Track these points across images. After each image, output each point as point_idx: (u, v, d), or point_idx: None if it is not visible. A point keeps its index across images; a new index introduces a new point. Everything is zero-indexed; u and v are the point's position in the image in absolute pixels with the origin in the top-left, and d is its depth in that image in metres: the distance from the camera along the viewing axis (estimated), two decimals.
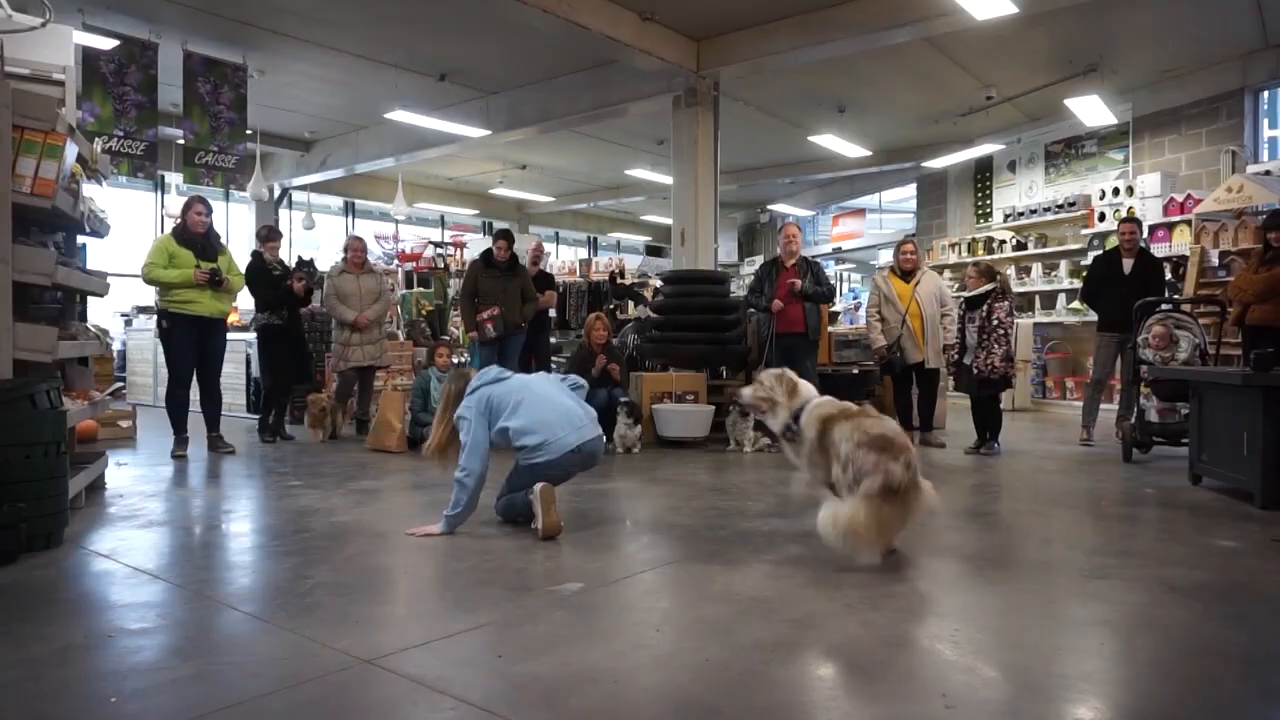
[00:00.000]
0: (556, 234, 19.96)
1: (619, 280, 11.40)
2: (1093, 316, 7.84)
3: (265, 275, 7.11)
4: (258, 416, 7.47)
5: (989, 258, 11.83)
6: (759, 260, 15.84)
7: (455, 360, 8.00)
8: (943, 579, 3.22)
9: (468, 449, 3.75)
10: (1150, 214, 9.94)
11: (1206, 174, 10.22)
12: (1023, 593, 3.01)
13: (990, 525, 4.23)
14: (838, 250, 18.36)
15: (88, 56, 8.42)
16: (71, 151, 4.04)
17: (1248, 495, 4.54)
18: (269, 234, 7.39)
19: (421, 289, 10.66)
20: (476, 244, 12.38)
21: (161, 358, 7.26)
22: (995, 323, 6.44)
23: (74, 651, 2.38)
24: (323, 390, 7.94)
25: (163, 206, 13.35)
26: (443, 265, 11.25)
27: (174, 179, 12.57)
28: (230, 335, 6.88)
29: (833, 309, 10.77)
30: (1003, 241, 12.31)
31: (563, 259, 17.05)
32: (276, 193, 14.92)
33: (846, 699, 2.11)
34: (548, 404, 3.85)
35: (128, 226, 10.98)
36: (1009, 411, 8.34)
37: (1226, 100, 10.10)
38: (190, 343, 6.16)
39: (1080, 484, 5.33)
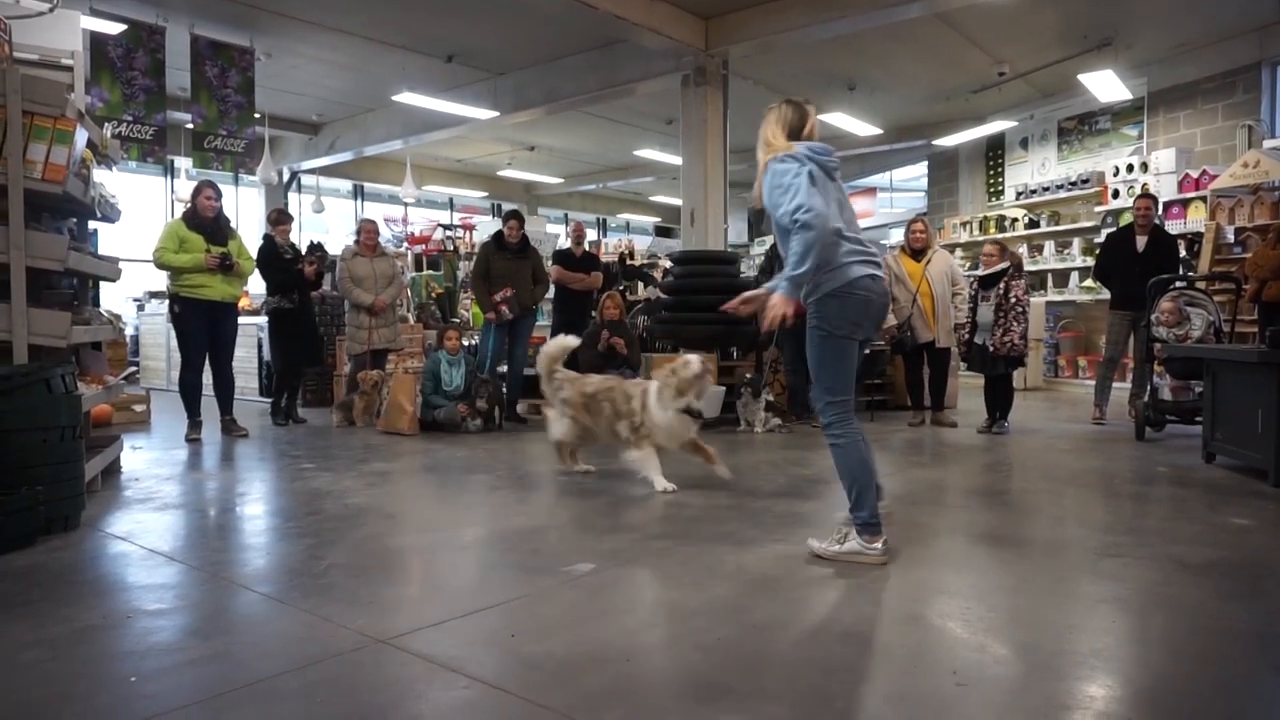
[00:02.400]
0: (565, 215, 19.91)
1: (628, 261, 11.37)
2: (1105, 295, 7.78)
3: (277, 258, 7.12)
4: (270, 400, 7.52)
5: (1002, 236, 11.75)
6: (769, 241, 15.76)
7: (465, 343, 8.01)
8: (953, 557, 3.22)
9: (801, 188, 2.86)
10: (1165, 190, 9.83)
11: (1222, 149, 10.09)
12: (1034, 571, 3.01)
13: (1001, 504, 4.23)
14: None
15: (96, 41, 8.42)
16: (81, 137, 4.05)
17: (1261, 473, 4.51)
18: (280, 217, 7.40)
19: (431, 271, 10.66)
20: (485, 226, 12.36)
21: (174, 342, 7.29)
22: (1014, 300, 6.42)
23: (93, 632, 2.41)
24: (372, 369, 7.36)
25: (172, 191, 13.39)
26: (452, 248, 11.23)
27: (183, 163, 12.62)
28: (242, 319, 6.90)
29: None
30: (1015, 219, 12.20)
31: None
32: (285, 176, 14.93)
33: (857, 677, 2.12)
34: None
35: (138, 211, 11.02)
36: (1021, 390, 8.30)
37: (1243, 74, 9.95)
38: (202, 327, 6.21)
39: (1092, 463, 5.31)
